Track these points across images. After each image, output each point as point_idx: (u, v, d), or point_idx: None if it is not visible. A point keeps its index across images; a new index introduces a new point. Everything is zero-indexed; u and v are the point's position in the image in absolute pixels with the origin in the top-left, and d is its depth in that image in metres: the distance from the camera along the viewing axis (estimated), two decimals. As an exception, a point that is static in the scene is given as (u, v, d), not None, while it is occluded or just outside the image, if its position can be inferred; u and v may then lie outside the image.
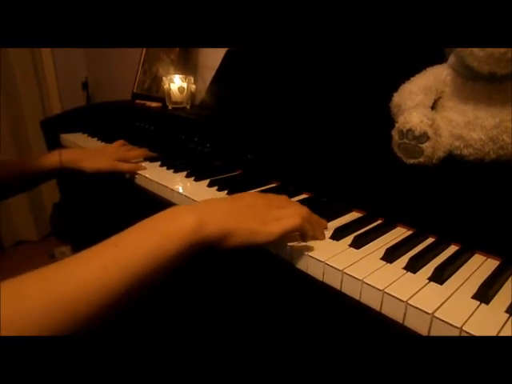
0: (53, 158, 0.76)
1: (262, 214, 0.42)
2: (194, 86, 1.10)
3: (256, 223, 0.41)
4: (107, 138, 1.06)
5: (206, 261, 0.40)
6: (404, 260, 0.42)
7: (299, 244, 0.45)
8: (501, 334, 0.32)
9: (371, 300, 0.38)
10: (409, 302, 0.35)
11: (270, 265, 0.48)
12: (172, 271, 0.36)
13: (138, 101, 1.27)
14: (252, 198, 0.45)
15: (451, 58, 0.55)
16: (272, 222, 0.42)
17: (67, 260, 0.34)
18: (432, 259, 0.43)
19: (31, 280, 0.31)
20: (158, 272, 0.35)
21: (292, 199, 0.60)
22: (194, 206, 0.42)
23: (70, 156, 0.78)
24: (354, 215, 0.55)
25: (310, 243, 0.45)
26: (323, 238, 0.47)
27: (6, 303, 0.28)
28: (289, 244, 0.45)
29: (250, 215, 0.42)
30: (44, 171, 0.76)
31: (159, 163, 0.80)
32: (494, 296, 0.37)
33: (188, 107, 1.10)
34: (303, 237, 0.44)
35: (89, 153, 0.81)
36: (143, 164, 0.80)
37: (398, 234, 0.50)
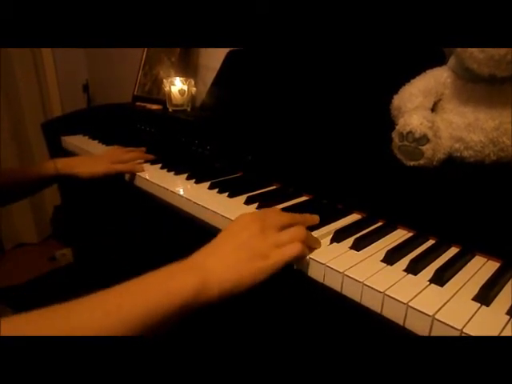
0: (48, 166, 0.77)
1: (262, 247, 0.41)
2: (194, 89, 1.11)
3: (258, 261, 0.40)
4: (108, 140, 1.06)
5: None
6: (405, 262, 0.42)
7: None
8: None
9: (372, 302, 0.38)
10: (409, 304, 0.35)
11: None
12: (170, 327, 0.36)
13: (138, 103, 1.27)
14: (248, 230, 0.43)
15: (451, 61, 0.56)
16: (272, 253, 0.41)
17: (69, 306, 0.33)
18: (433, 261, 0.43)
19: (30, 325, 0.30)
20: (157, 325, 0.35)
21: (292, 201, 0.61)
22: (195, 262, 0.40)
23: (65, 163, 0.79)
24: (354, 217, 0.56)
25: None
26: (319, 245, 0.46)
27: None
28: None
29: (250, 255, 0.40)
30: (41, 179, 0.77)
31: (160, 165, 0.81)
32: (494, 298, 0.37)
33: (189, 109, 1.10)
34: (302, 259, 0.44)
35: (84, 159, 0.83)
36: (143, 165, 0.80)
37: (399, 235, 0.50)
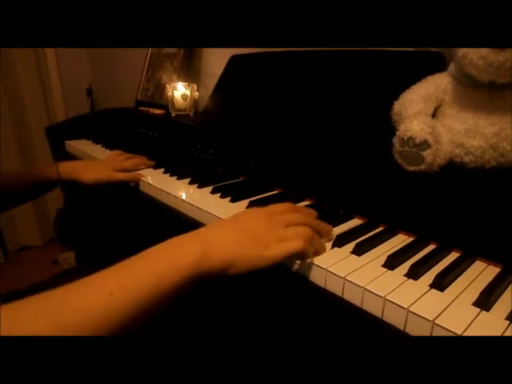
0: (51, 170, 0.78)
1: (265, 236, 0.42)
2: (197, 94, 1.11)
3: (258, 249, 0.41)
4: (111, 144, 1.07)
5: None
6: (405, 267, 0.43)
7: (298, 262, 0.45)
8: (501, 341, 0.32)
9: (373, 307, 0.38)
10: (410, 309, 0.36)
11: (269, 271, 0.48)
12: (175, 299, 0.37)
13: (141, 108, 1.28)
14: (254, 220, 0.45)
15: (451, 67, 0.56)
16: (274, 245, 0.42)
17: (72, 287, 0.34)
18: (433, 266, 0.44)
19: (34, 309, 0.31)
20: (160, 300, 0.36)
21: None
22: (198, 236, 0.42)
23: (68, 168, 0.79)
24: (355, 222, 0.56)
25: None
26: (324, 251, 0.46)
27: (6, 332, 0.28)
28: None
29: (252, 241, 0.41)
30: (44, 182, 0.78)
31: (163, 170, 0.81)
32: (494, 303, 0.37)
33: (191, 114, 1.11)
34: (303, 258, 0.44)
35: (86, 164, 0.83)
36: (145, 171, 0.81)
37: (400, 240, 0.50)
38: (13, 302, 0.30)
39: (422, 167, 0.52)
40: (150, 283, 0.35)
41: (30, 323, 0.30)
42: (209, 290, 0.45)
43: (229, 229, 0.43)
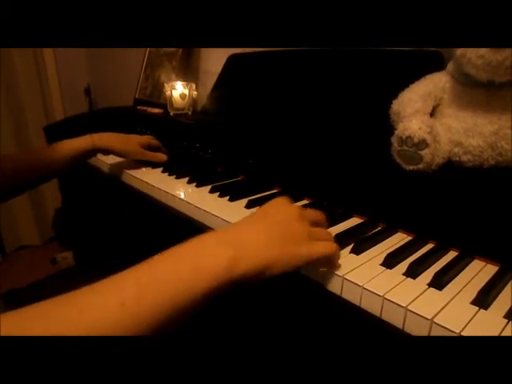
0: (85, 140, 0.78)
1: (297, 232, 0.39)
2: (195, 93, 1.11)
3: (294, 247, 0.38)
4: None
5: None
6: (404, 266, 0.43)
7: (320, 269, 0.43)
8: (499, 340, 0.32)
9: (371, 306, 0.38)
10: (408, 307, 0.36)
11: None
12: (200, 309, 0.33)
13: (139, 107, 1.28)
14: (284, 214, 0.41)
15: (450, 66, 0.56)
16: (307, 242, 0.39)
17: (84, 293, 0.30)
18: (432, 265, 0.44)
19: (37, 316, 0.28)
20: (182, 312, 0.32)
21: (293, 204, 0.61)
22: (227, 236, 0.37)
23: (101, 138, 0.81)
24: (354, 221, 0.56)
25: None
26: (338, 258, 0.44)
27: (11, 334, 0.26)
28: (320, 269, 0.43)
29: (286, 238, 0.38)
30: (79, 153, 0.78)
31: (161, 169, 0.81)
32: (493, 301, 0.37)
33: (190, 113, 1.10)
34: (330, 264, 0.41)
35: (116, 136, 0.84)
36: (143, 170, 0.82)
37: (398, 239, 0.50)
38: (28, 306, 0.28)
39: (421, 166, 0.52)
40: (171, 294, 0.31)
41: (39, 328, 0.27)
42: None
43: (260, 226, 0.39)
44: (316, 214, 0.45)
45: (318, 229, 0.42)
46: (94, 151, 0.79)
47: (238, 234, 0.38)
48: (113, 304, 0.29)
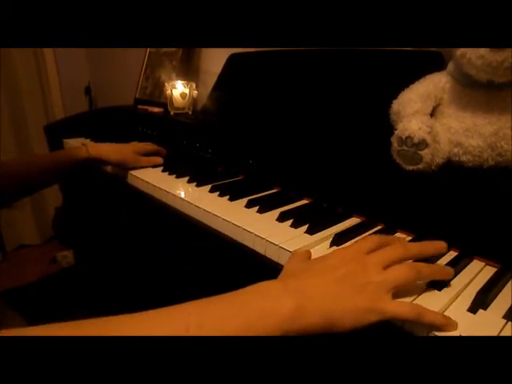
0: (80, 150, 0.80)
1: (372, 284, 0.35)
2: (195, 92, 1.11)
3: (365, 301, 0.34)
4: (110, 142, 1.06)
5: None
6: (403, 266, 0.43)
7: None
8: (498, 340, 0.32)
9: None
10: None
11: (270, 270, 0.48)
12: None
13: (140, 106, 1.28)
14: (348, 264, 0.37)
15: (450, 66, 0.56)
16: (383, 297, 0.35)
17: (151, 315, 0.31)
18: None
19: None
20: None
21: (293, 205, 0.61)
22: (290, 285, 0.35)
23: (96, 148, 0.82)
24: (354, 221, 0.56)
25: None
26: (448, 276, 0.40)
27: None
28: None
29: (356, 291, 0.35)
30: (72, 163, 0.79)
31: (161, 168, 0.81)
32: (492, 302, 0.37)
33: (190, 113, 1.10)
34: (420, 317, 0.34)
35: (111, 146, 0.86)
36: (143, 170, 0.82)
37: (398, 239, 0.50)
38: (94, 319, 0.28)
39: (420, 166, 0.52)
40: (232, 330, 0.30)
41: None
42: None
43: (327, 276, 0.36)
44: (387, 255, 0.38)
45: (391, 272, 0.36)
46: (89, 161, 0.80)
47: (303, 283, 0.35)
48: (177, 327, 0.30)
